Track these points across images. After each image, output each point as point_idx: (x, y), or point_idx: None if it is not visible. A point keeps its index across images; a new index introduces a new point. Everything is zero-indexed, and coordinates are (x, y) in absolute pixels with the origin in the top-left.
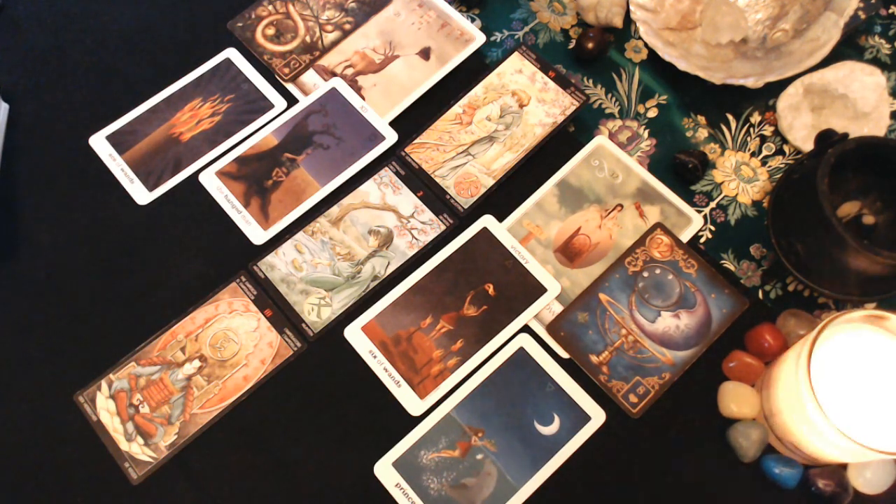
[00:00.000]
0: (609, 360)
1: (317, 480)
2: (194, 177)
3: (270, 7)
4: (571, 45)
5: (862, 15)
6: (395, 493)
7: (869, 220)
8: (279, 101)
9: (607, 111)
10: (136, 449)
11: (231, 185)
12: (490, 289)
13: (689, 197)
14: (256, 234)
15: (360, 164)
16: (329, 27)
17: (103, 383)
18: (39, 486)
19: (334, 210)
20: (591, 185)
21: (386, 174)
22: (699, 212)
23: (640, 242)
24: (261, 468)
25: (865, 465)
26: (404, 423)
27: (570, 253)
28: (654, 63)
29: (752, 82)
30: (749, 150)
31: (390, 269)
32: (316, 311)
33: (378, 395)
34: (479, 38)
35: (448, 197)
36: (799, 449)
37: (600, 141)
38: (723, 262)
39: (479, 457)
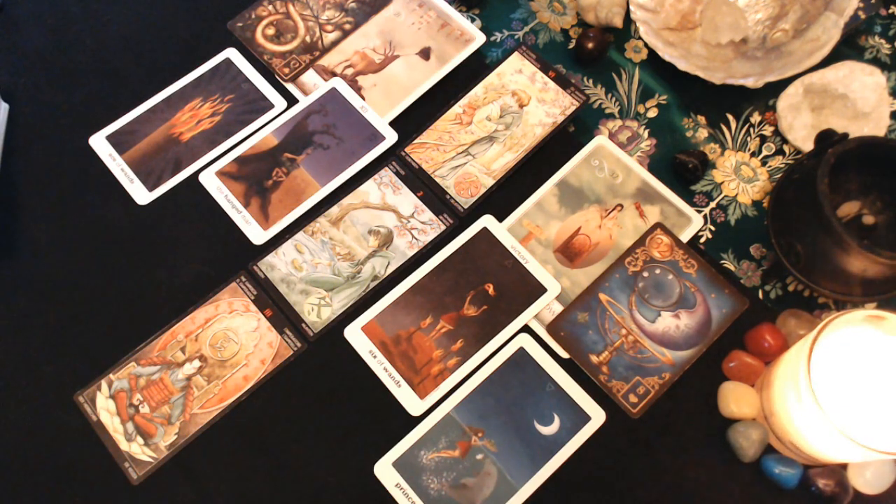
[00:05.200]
0: (609, 360)
1: (317, 480)
2: (194, 177)
3: (270, 7)
4: (571, 45)
5: (862, 15)
6: (395, 493)
7: (869, 220)
8: (279, 101)
9: (607, 111)
10: (136, 449)
11: (231, 185)
12: (490, 289)
13: (689, 197)
14: (256, 234)
15: (360, 164)
16: (329, 27)
17: (103, 383)
18: (39, 486)
19: (334, 210)
20: (591, 185)
21: (386, 174)
22: (699, 212)
23: (640, 242)
24: (261, 468)
25: (865, 465)
26: (404, 423)
27: (570, 253)
28: (654, 63)
29: (752, 82)
30: (749, 150)
31: (390, 269)
32: (316, 311)
33: (378, 395)
34: (479, 38)
35: (448, 197)
36: (799, 449)
37: (600, 141)
38: (723, 262)
39: (479, 457)
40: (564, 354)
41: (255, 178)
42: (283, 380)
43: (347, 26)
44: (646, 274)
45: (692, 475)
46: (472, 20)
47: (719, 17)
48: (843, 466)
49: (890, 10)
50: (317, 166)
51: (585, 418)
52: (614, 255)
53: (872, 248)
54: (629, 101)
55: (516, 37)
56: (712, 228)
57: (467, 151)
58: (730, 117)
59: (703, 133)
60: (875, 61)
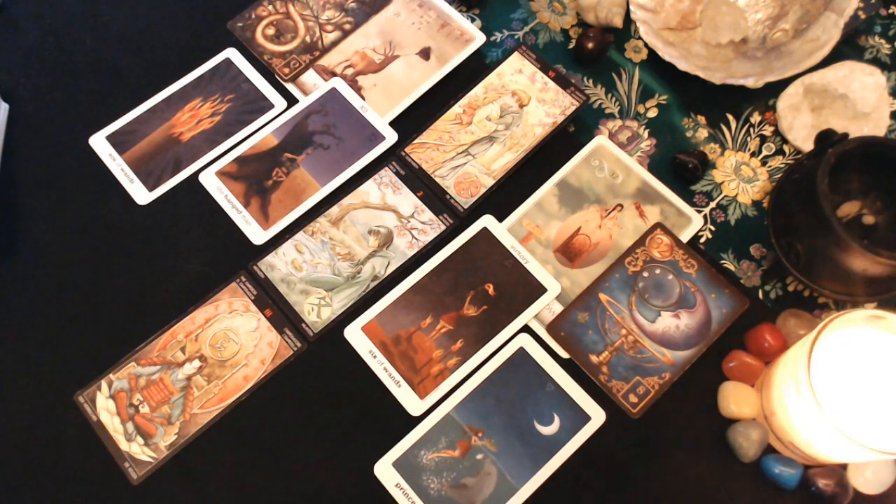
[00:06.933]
0: (609, 360)
1: (317, 480)
2: (194, 177)
3: (270, 7)
4: (571, 45)
5: (862, 15)
6: (395, 493)
7: (869, 220)
8: (279, 101)
9: (607, 111)
10: (136, 449)
11: (231, 185)
12: (490, 289)
13: (689, 197)
14: (256, 234)
15: (360, 164)
16: (329, 27)
17: (103, 383)
18: (39, 486)
19: (334, 210)
20: (591, 185)
21: (386, 174)
22: (699, 212)
23: (640, 242)
24: (261, 468)
25: (865, 465)
26: (404, 423)
27: (570, 253)
28: (654, 63)
29: (752, 82)
30: (749, 150)
31: (390, 269)
32: (316, 311)
33: (378, 395)
34: (479, 38)
35: (448, 197)
36: (799, 449)
37: (600, 141)
38: (723, 262)
39: (479, 457)
40: (564, 354)
41: (255, 178)
42: (283, 380)
43: (347, 26)
44: (646, 274)
45: (692, 475)
46: (472, 20)
47: (719, 17)
48: (843, 466)
49: (890, 10)
50: (317, 166)
51: (585, 418)
52: (614, 255)
53: (872, 248)
54: (629, 101)
55: (516, 37)
56: (712, 228)
57: (467, 151)
58: (730, 117)
59: (703, 133)
60: (875, 61)
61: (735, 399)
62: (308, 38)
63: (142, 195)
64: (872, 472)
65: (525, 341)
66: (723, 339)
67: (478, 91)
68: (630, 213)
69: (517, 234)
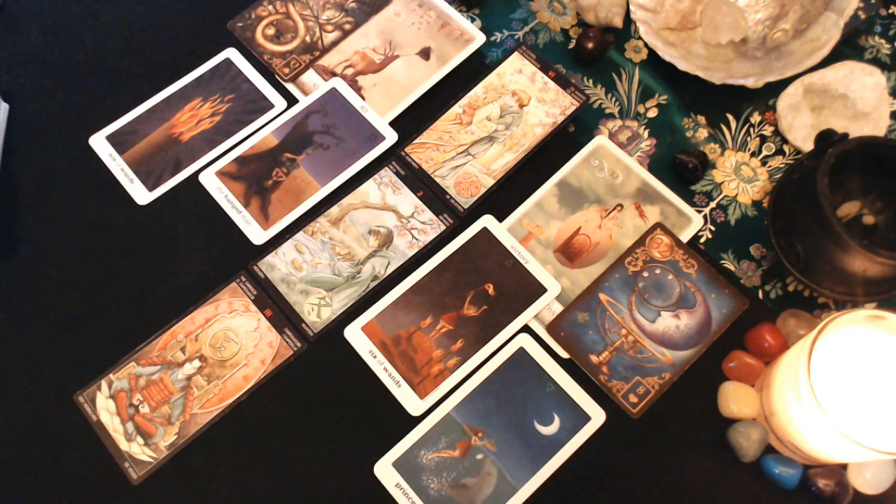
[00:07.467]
0: (609, 360)
1: (317, 480)
2: (194, 177)
3: (270, 7)
4: (571, 45)
5: (862, 15)
6: (395, 493)
7: (869, 220)
8: (279, 101)
9: (607, 111)
10: (136, 449)
11: (231, 185)
12: (490, 289)
13: (689, 197)
14: (256, 234)
15: (360, 164)
16: (329, 27)
17: (103, 383)
18: (39, 486)
19: (334, 210)
20: (591, 185)
21: (386, 174)
22: (699, 212)
23: (640, 242)
24: (261, 468)
25: (865, 465)
26: (404, 423)
27: (570, 253)
28: (654, 63)
29: (752, 82)
30: (749, 150)
31: (390, 269)
32: (316, 311)
33: (378, 395)
34: (479, 38)
35: (448, 197)
36: (799, 449)
37: (600, 141)
38: (723, 262)
39: (479, 457)
40: (564, 354)
41: (255, 178)
42: (283, 380)
43: (347, 26)
44: (646, 274)
45: (692, 475)
46: (472, 20)
47: (719, 17)
48: (843, 466)
49: (890, 10)
50: (317, 166)
51: (585, 418)
52: (614, 255)
53: (872, 248)
54: (629, 101)
55: (516, 37)
56: (712, 228)
57: (467, 151)
58: (730, 117)
59: (703, 133)
60: (875, 61)
61: (735, 399)
62: (308, 38)
63: (142, 195)
64: (872, 472)
65: (525, 341)
66: (723, 339)
67: (478, 91)
68: (630, 213)
69: (517, 234)
